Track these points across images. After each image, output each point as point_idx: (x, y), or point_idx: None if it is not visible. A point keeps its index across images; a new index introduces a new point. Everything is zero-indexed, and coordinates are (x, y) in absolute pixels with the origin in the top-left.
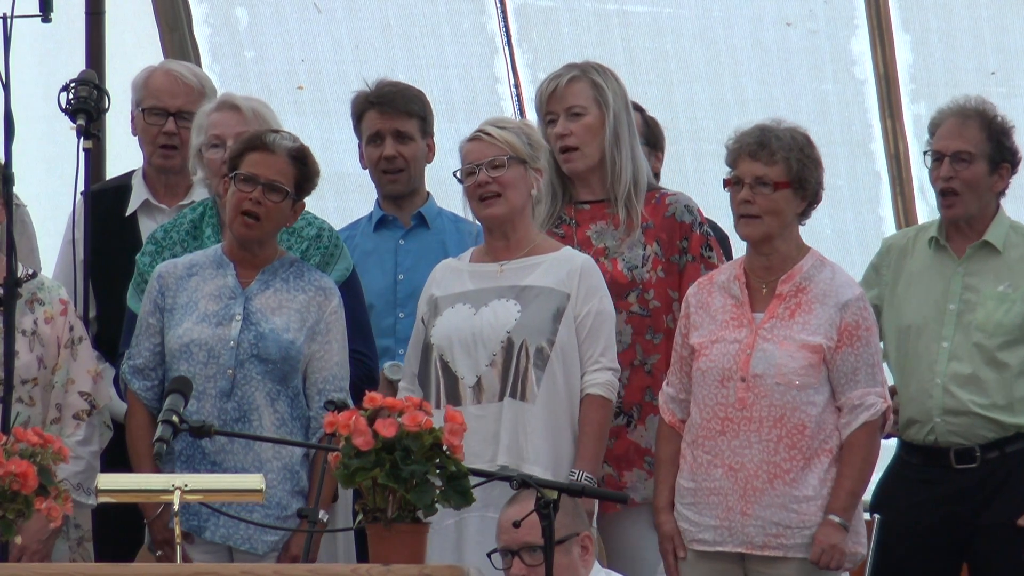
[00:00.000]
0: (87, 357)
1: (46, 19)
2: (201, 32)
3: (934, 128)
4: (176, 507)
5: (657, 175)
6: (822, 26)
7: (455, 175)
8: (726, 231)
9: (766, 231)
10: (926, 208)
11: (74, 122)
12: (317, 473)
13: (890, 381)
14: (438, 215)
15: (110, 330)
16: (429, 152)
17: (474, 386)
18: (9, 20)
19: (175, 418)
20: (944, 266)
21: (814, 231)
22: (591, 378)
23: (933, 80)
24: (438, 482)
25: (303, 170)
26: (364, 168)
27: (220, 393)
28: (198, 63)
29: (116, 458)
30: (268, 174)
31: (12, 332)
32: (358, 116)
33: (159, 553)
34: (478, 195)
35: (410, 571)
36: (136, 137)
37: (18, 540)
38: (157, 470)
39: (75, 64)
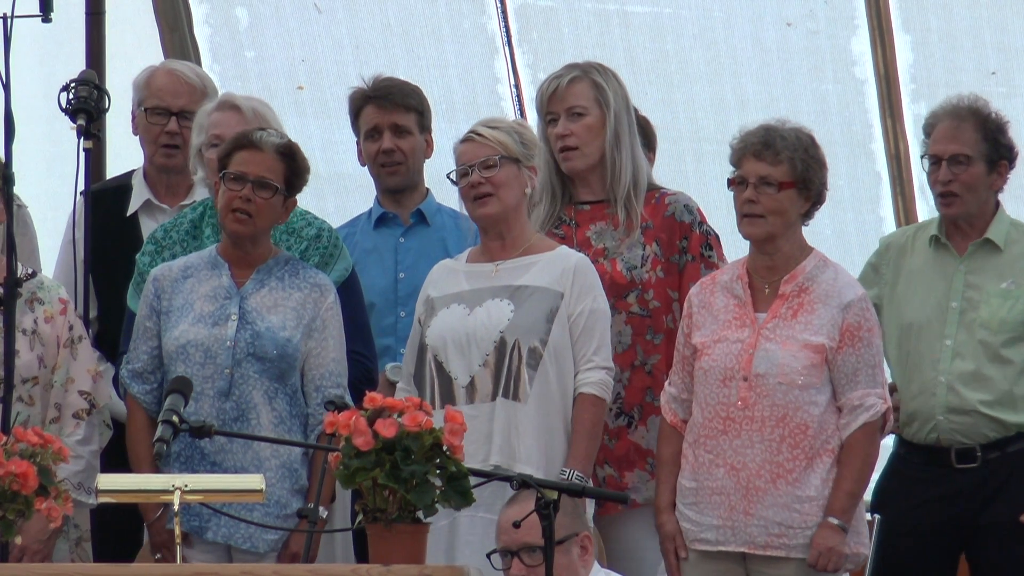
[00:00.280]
0: (87, 356)
1: (46, 19)
2: (201, 32)
3: (929, 130)
4: (176, 507)
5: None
6: (822, 26)
7: (449, 176)
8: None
9: (769, 231)
10: (926, 208)
11: (74, 122)
12: (316, 471)
13: (889, 379)
14: (438, 211)
15: (111, 330)
16: (427, 147)
17: (467, 386)
18: (9, 20)
19: (175, 418)
20: (945, 264)
21: (814, 231)
22: (584, 377)
23: (933, 80)
24: (438, 482)
25: (292, 166)
26: (363, 164)
27: (218, 393)
28: (198, 63)
29: (116, 458)
30: (257, 171)
31: (12, 332)
32: (356, 112)
33: (158, 556)
34: (471, 196)
35: (410, 571)
36: (137, 137)
37: (18, 540)
38: (157, 472)
39: (75, 64)
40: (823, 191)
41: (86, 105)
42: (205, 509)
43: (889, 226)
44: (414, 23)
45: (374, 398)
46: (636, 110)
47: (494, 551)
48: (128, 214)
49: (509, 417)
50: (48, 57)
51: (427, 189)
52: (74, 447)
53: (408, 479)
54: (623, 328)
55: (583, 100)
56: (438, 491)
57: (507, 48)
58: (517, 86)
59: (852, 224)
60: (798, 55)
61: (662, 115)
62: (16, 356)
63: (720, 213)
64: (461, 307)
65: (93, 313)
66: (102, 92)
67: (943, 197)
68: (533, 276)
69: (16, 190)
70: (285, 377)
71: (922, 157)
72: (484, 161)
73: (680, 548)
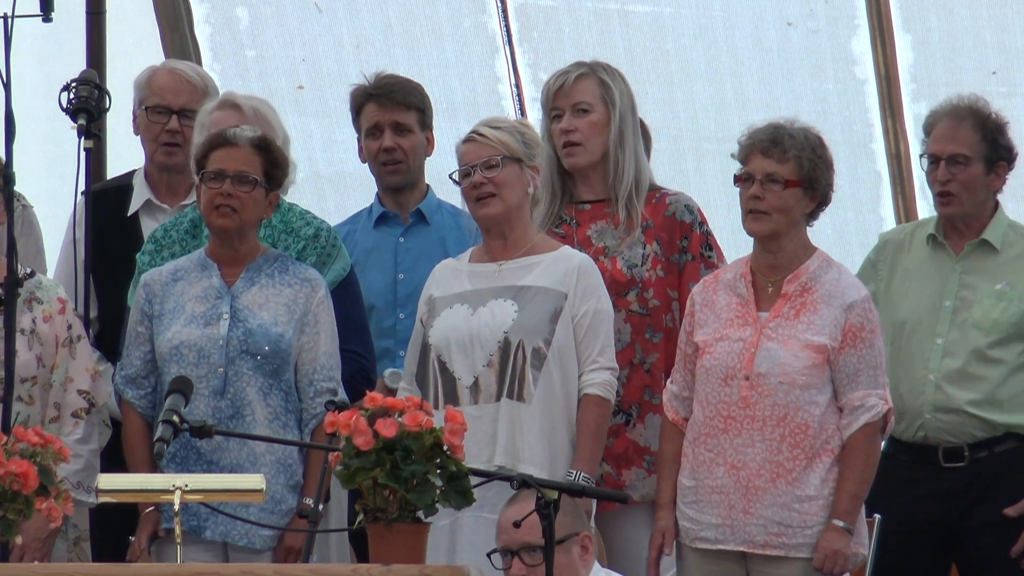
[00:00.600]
0: (85, 356)
1: (47, 19)
2: (202, 31)
3: (929, 129)
4: (176, 507)
5: None
6: (823, 26)
7: (451, 177)
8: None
9: (774, 228)
10: (927, 208)
11: (75, 122)
12: (312, 467)
13: None
14: (438, 209)
15: (111, 329)
16: (428, 145)
17: (471, 387)
18: (9, 20)
19: (175, 418)
20: (941, 263)
21: (815, 231)
22: (589, 378)
23: (934, 80)
24: (438, 482)
25: (269, 157)
26: (363, 162)
27: (213, 392)
28: (199, 62)
29: (116, 457)
30: (234, 166)
31: (13, 332)
32: (357, 109)
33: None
34: (474, 196)
35: (410, 571)
36: (138, 136)
37: (18, 540)
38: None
39: (76, 64)
40: (829, 192)
41: (87, 105)
42: (203, 508)
43: (889, 226)
44: (415, 22)
45: (374, 398)
46: None
47: (494, 551)
48: (129, 214)
49: (513, 418)
50: (48, 57)
51: (427, 186)
52: (73, 446)
53: (408, 479)
54: (622, 326)
55: (589, 97)
56: (438, 491)
57: (507, 47)
58: (518, 85)
59: (852, 224)
60: (798, 55)
61: (662, 115)
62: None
63: (721, 212)
64: (464, 307)
65: (93, 313)
66: (103, 92)
67: (941, 197)
68: (537, 276)
69: (18, 190)
70: (279, 373)
71: (921, 156)
72: (486, 161)
73: (666, 546)
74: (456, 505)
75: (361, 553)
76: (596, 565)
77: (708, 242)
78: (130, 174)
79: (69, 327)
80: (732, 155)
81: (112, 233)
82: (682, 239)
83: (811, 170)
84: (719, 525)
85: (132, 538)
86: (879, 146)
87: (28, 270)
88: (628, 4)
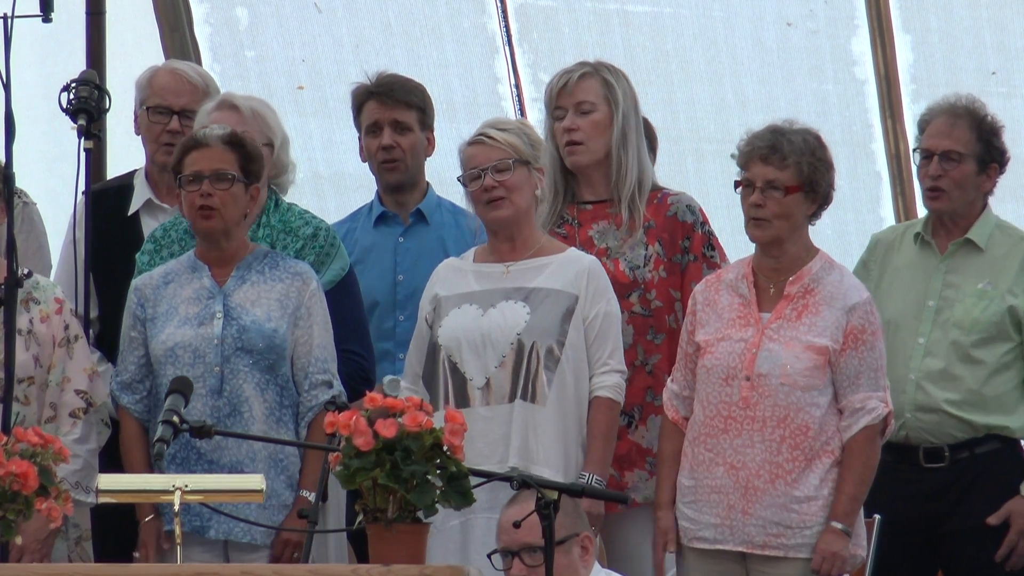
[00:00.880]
0: (83, 356)
1: (46, 19)
2: (201, 32)
3: (924, 125)
4: (176, 507)
5: None
6: (822, 26)
7: (460, 180)
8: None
9: (776, 234)
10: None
11: (75, 122)
12: (309, 460)
13: None
14: (437, 208)
15: (112, 330)
16: (429, 145)
17: (483, 387)
18: (9, 20)
19: (175, 418)
20: (927, 262)
21: (815, 231)
22: (600, 380)
23: (934, 80)
24: (438, 482)
25: (242, 152)
26: (363, 160)
27: (210, 391)
28: (198, 63)
29: (115, 457)
30: (209, 166)
31: (12, 333)
32: (358, 108)
33: (136, 555)
34: (484, 199)
35: (410, 571)
36: (139, 136)
37: (18, 540)
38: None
39: (75, 64)
40: (830, 192)
41: (86, 105)
42: (205, 509)
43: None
44: (414, 23)
45: (374, 398)
46: None
47: (495, 551)
48: (129, 213)
49: (527, 419)
50: (48, 57)
51: (428, 185)
52: (71, 446)
53: (408, 479)
54: (625, 327)
55: (592, 96)
56: (438, 491)
57: (507, 48)
58: (517, 86)
59: (852, 224)
60: (798, 55)
61: (662, 115)
62: None
63: (720, 213)
64: (473, 307)
65: (94, 313)
66: (102, 92)
67: (930, 191)
68: (546, 278)
69: (20, 187)
70: (275, 368)
71: (914, 151)
72: (497, 164)
73: (670, 544)
74: (456, 505)
75: (361, 553)
76: (596, 565)
77: (710, 242)
78: (131, 174)
79: (66, 327)
80: (732, 156)
81: (113, 233)
82: (684, 239)
83: (811, 174)
84: (718, 525)
85: (136, 555)
86: (879, 146)
87: (26, 270)
88: (628, 4)
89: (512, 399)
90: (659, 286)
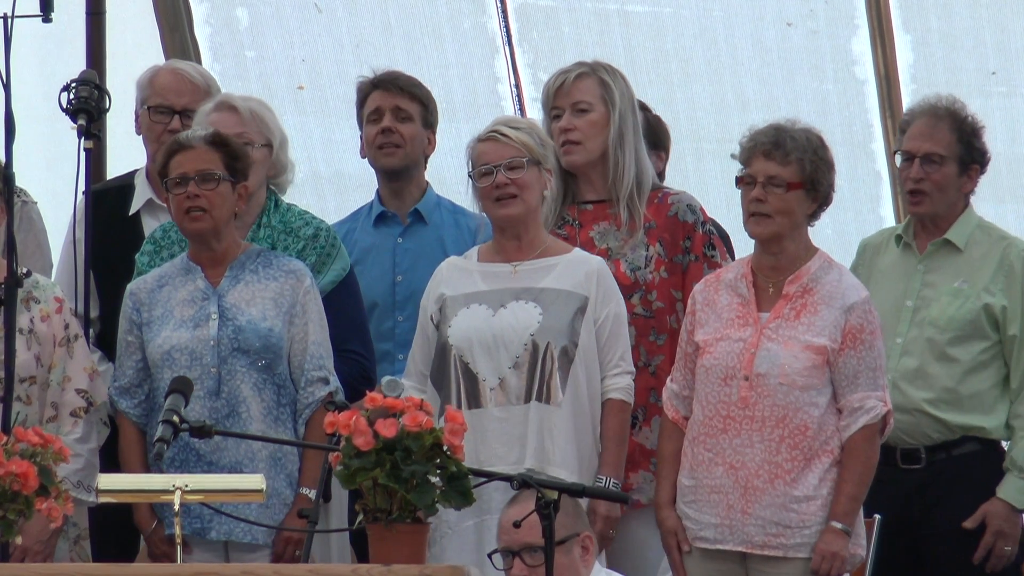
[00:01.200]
0: (83, 355)
1: (46, 19)
2: (202, 32)
3: (905, 126)
4: (176, 507)
5: (661, 175)
6: (823, 26)
7: (469, 175)
8: (728, 229)
9: (776, 231)
10: None
11: (75, 122)
12: (308, 457)
13: None
14: (436, 207)
15: (112, 329)
16: (430, 145)
17: (496, 387)
18: (9, 20)
19: (176, 418)
20: (907, 264)
21: (814, 231)
22: (612, 382)
23: (934, 80)
24: (439, 482)
25: (227, 151)
26: (363, 156)
27: (208, 393)
28: (199, 63)
29: (114, 457)
30: (194, 167)
31: (12, 332)
32: (362, 100)
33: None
34: (494, 196)
35: (410, 571)
36: (140, 136)
37: (18, 540)
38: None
39: (75, 64)
40: (830, 192)
41: (87, 105)
42: (205, 510)
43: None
44: (414, 23)
45: (374, 398)
46: (650, 110)
47: (495, 551)
48: (130, 213)
49: (543, 420)
50: (48, 57)
51: (427, 183)
52: (73, 445)
53: (408, 479)
54: None
55: (589, 96)
56: (438, 491)
57: (507, 48)
58: (517, 86)
59: (852, 224)
60: (798, 55)
61: (662, 114)
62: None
63: (720, 213)
64: (483, 307)
65: (94, 313)
66: (102, 92)
67: (912, 195)
68: (555, 279)
69: (20, 186)
70: (272, 367)
71: (895, 152)
72: (510, 162)
73: (683, 543)
74: (456, 505)
75: (361, 553)
76: (597, 565)
77: (711, 241)
78: (131, 174)
79: (66, 326)
80: (732, 155)
81: (113, 233)
82: (685, 239)
83: (813, 172)
84: (718, 525)
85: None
86: (879, 146)
87: (25, 270)
88: (628, 4)
89: (527, 400)
90: (660, 287)
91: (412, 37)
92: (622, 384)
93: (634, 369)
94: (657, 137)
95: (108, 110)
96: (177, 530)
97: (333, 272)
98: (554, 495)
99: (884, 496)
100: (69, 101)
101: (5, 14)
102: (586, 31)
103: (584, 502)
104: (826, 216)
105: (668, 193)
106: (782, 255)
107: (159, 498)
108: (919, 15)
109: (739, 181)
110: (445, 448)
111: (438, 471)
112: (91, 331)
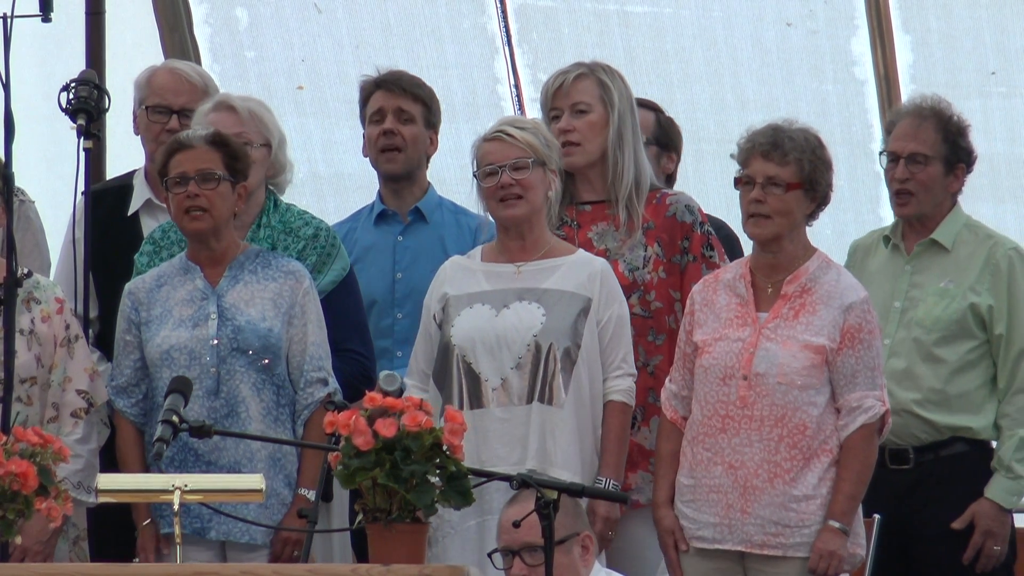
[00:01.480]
0: (83, 355)
1: (46, 19)
2: (201, 32)
3: (890, 127)
4: (176, 507)
5: (672, 177)
6: (822, 26)
7: (474, 175)
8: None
9: (775, 231)
10: None
11: (74, 122)
12: (307, 457)
13: None
14: (438, 207)
15: (111, 329)
16: (431, 145)
17: (498, 388)
18: (9, 20)
19: (175, 418)
20: (895, 265)
21: (814, 231)
22: (614, 384)
23: (933, 81)
24: (438, 482)
25: (227, 151)
26: (365, 155)
27: (207, 393)
28: (198, 63)
29: (114, 457)
30: (195, 166)
31: (12, 332)
32: (364, 100)
33: (136, 560)
34: (499, 196)
35: (410, 571)
36: (138, 136)
37: (18, 540)
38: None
39: (75, 64)
40: (828, 193)
41: (86, 105)
42: (204, 510)
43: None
44: (414, 23)
45: (374, 398)
46: (662, 111)
47: (495, 551)
48: (129, 213)
49: (545, 421)
50: (48, 57)
51: (428, 183)
52: (73, 446)
53: (408, 479)
54: None
55: (587, 97)
56: (438, 491)
57: (507, 48)
58: (517, 86)
59: (852, 224)
60: (798, 55)
61: None
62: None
63: (719, 213)
64: (486, 307)
65: (94, 313)
66: (102, 92)
67: (898, 196)
68: (559, 280)
69: (19, 185)
70: (271, 368)
71: (881, 153)
72: (515, 163)
73: (680, 542)
74: (455, 505)
75: (360, 553)
76: (596, 565)
77: (709, 242)
78: (130, 174)
79: (67, 327)
80: (731, 156)
81: (112, 233)
82: (683, 240)
83: (811, 172)
84: (717, 524)
85: (137, 560)
86: (878, 146)
87: (25, 270)
88: (628, 4)
89: (529, 401)
90: (658, 287)
91: (412, 37)
92: (623, 386)
93: (635, 371)
94: (669, 138)
95: (107, 110)
96: (177, 530)
97: (333, 272)
98: (554, 495)
99: (873, 497)
100: (68, 101)
101: (5, 14)
102: (586, 32)
103: (584, 503)
104: (825, 216)
105: (666, 194)
106: (780, 255)
107: (159, 498)
108: (919, 15)
109: (738, 182)
110: (445, 448)
111: (437, 471)
112: (90, 331)
